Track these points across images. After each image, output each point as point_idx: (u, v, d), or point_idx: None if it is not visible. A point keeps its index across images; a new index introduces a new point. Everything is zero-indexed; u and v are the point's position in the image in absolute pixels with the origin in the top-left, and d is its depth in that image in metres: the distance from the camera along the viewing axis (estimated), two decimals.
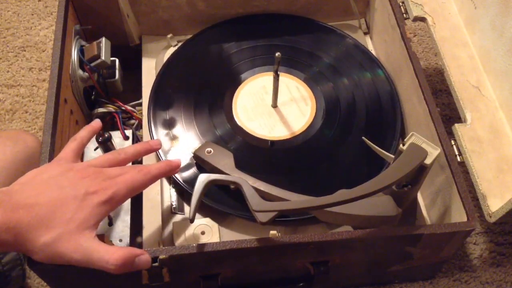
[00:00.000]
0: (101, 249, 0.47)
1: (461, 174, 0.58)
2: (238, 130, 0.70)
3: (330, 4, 0.82)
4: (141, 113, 0.74)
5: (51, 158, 0.58)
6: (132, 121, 0.75)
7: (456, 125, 0.63)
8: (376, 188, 0.51)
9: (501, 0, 0.64)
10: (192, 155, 0.66)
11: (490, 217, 0.57)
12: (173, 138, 0.69)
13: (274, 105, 0.72)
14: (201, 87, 0.74)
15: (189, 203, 0.62)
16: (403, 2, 0.74)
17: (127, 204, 0.65)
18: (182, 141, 0.69)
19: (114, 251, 0.47)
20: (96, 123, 0.59)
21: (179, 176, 0.65)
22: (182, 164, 0.66)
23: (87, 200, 0.48)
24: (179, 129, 0.70)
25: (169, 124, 0.71)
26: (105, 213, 0.49)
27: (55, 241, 0.46)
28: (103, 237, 0.56)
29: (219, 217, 0.64)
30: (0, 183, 0.62)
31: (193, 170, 0.66)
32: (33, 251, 0.46)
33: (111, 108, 0.75)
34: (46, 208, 0.47)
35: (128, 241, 0.63)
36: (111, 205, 0.49)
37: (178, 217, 0.65)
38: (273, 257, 0.57)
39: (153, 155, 0.69)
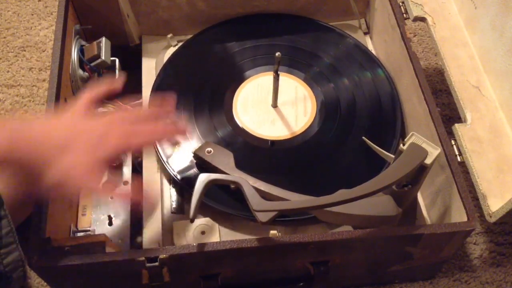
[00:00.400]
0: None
1: (461, 174, 0.58)
2: (238, 130, 0.70)
3: (330, 4, 0.82)
4: None
5: None
6: None
7: (456, 125, 0.63)
8: (376, 188, 0.51)
9: (501, 0, 0.64)
10: (192, 155, 0.66)
11: (490, 217, 0.57)
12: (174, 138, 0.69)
13: (274, 105, 0.72)
14: (201, 87, 0.74)
15: (189, 203, 0.62)
16: (403, 2, 0.74)
17: (127, 204, 0.65)
18: (182, 141, 0.69)
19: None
20: (120, 80, 0.58)
21: (179, 176, 0.65)
22: (182, 165, 0.66)
23: (102, 143, 0.49)
24: None
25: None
26: (113, 158, 0.52)
27: (71, 167, 0.47)
28: (103, 237, 0.55)
29: (219, 217, 0.64)
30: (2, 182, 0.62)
31: (193, 170, 0.66)
32: (40, 180, 0.47)
33: (111, 107, 0.75)
34: (64, 137, 0.48)
35: (128, 241, 0.63)
36: (105, 164, 0.50)
37: (178, 217, 0.65)
38: (273, 257, 0.57)
39: (152, 153, 0.69)
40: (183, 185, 0.65)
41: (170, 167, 0.66)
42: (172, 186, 0.67)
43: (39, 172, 0.47)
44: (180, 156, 0.67)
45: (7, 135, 0.46)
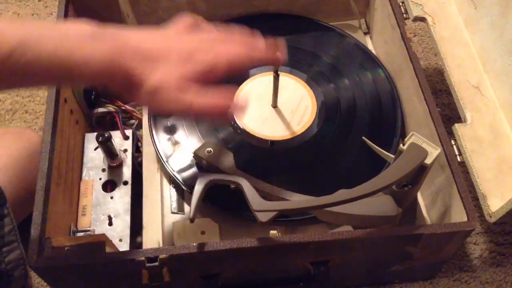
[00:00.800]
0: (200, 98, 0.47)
1: (461, 174, 0.58)
2: (238, 130, 0.70)
3: (330, 4, 0.82)
4: (141, 113, 0.74)
5: (51, 157, 0.58)
6: (132, 121, 0.75)
7: (456, 125, 0.63)
8: (376, 188, 0.51)
9: (501, 0, 0.64)
10: (192, 155, 0.66)
11: (490, 217, 0.57)
12: (174, 138, 0.69)
13: (274, 105, 0.72)
14: None
15: (189, 203, 0.62)
16: (403, 2, 0.74)
17: (127, 204, 0.66)
18: (182, 141, 0.69)
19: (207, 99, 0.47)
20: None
21: (179, 176, 0.65)
22: (183, 164, 0.67)
23: (191, 58, 0.48)
24: (179, 129, 0.70)
25: (170, 125, 0.71)
26: (203, 78, 0.48)
27: (163, 79, 0.46)
28: (103, 237, 0.55)
29: (219, 217, 0.64)
30: (5, 179, 0.62)
31: (193, 170, 0.66)
32: (138, 92, 0.46)
33: (111, 108, 0.75)
34: (156, 49, 0.47)
35: (128, 241, 0.63)
36: (210, 74, 0.49)
37: (178, 217, 0.65)
38: (273, 257, 0.57)
39: (152, 153, 0.69)
40: (183, 185, 0.65)
41: (170, 167, 0.66)
42: (172, 186, 0.67)
43: (135, 84, 0.46)
44: (180, 156, 0.67)
45: (111, 45, 0.45)
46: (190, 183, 0.65)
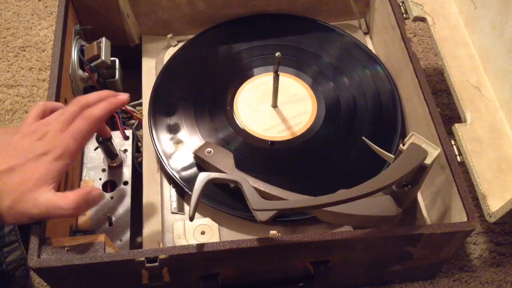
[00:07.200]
0: (56, 198, 0.49)
1: (461, 174, 0.58)
2: (238, 130, 0.70)
3: (330, 4, 0.82)
4: (141, 113, 0.74)
5: None
6: (132, 121, 0.75)
7: (456, 125, 0.63)
8: (376, 188, 0.51)
9: (501, 0, 0.64)
10: (192, 155, 0.66)
11: (490, 217, 0.57)
12: (174, 138, 0.69)
13: (274, 105, 0.72)
14: (201, 87, 0.74)
15: (189, 203, 0.62)
16: (403, 2, 0.74)
17: (127, 204, 0.66)
18: (182, 141, 0.69)
19: (66, 196, 0.50)
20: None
21: (179, 176, 0.65)
22: (183, 164, 0.66)
23: (41, 160, 0.50)
24: (179, 130, 0.70)
25: (170, 125, 0.71)
26: (62, 167, 0.51)
27: (16, 203, 0.48)
28: (103, 237, 0.55)
29: (219, 217, 0.64)
30: None
31: (193, 170, 0.66)
32: (2, 215, 0.49)
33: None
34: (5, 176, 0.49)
35: (128, 241, 0.63)
36: (65, 159, 0.51)
37: (178, 217, 0.65)
38: (273, 257, 0.57)
39: (152, 153, 0.69)
40: (183, 185, 0.65)
41: (170, 167, 0.66)
42: (172, 186, 0.67)
43: None
44: (180, 156, 0.67)
45: None
46: (190, 183, 0.65)
